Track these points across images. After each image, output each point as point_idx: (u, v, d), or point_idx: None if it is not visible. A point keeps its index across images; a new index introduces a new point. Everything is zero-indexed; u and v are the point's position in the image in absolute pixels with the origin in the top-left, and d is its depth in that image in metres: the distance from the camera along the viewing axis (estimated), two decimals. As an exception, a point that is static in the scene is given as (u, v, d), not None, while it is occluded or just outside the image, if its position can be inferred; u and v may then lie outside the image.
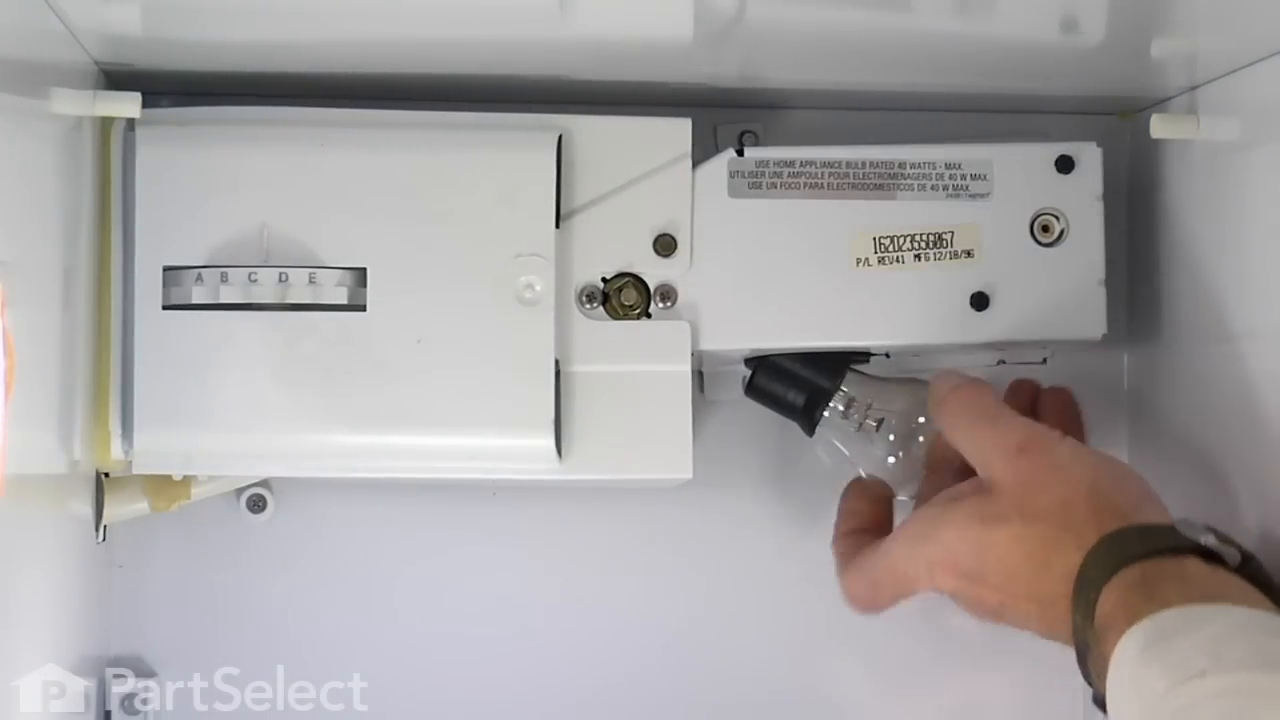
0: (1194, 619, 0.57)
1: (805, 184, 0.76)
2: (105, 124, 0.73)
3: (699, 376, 0.82)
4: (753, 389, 0.79)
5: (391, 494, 0.83)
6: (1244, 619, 0.57)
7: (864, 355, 0.78)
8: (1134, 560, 0.61)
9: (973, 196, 0.77)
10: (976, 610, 0.68)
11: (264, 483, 0.82)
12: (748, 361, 0.79)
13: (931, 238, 0.76)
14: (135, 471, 0.74)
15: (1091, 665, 0.61)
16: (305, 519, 0.83)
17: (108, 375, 0.73)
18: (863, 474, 0.78)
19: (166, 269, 0.73)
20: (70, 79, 0.70)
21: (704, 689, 0.85)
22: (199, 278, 0.72)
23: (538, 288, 0.74)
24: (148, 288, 0.72)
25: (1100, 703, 0.60)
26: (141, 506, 0.78)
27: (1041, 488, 0.66)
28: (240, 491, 0.82)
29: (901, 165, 0.77)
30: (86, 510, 0.75)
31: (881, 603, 0.72)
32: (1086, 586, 0.62)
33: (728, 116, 0.82)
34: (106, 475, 0.76)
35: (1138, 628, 0.57)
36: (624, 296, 0.75)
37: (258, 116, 0.74)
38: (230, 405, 0.72)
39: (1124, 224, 0.82)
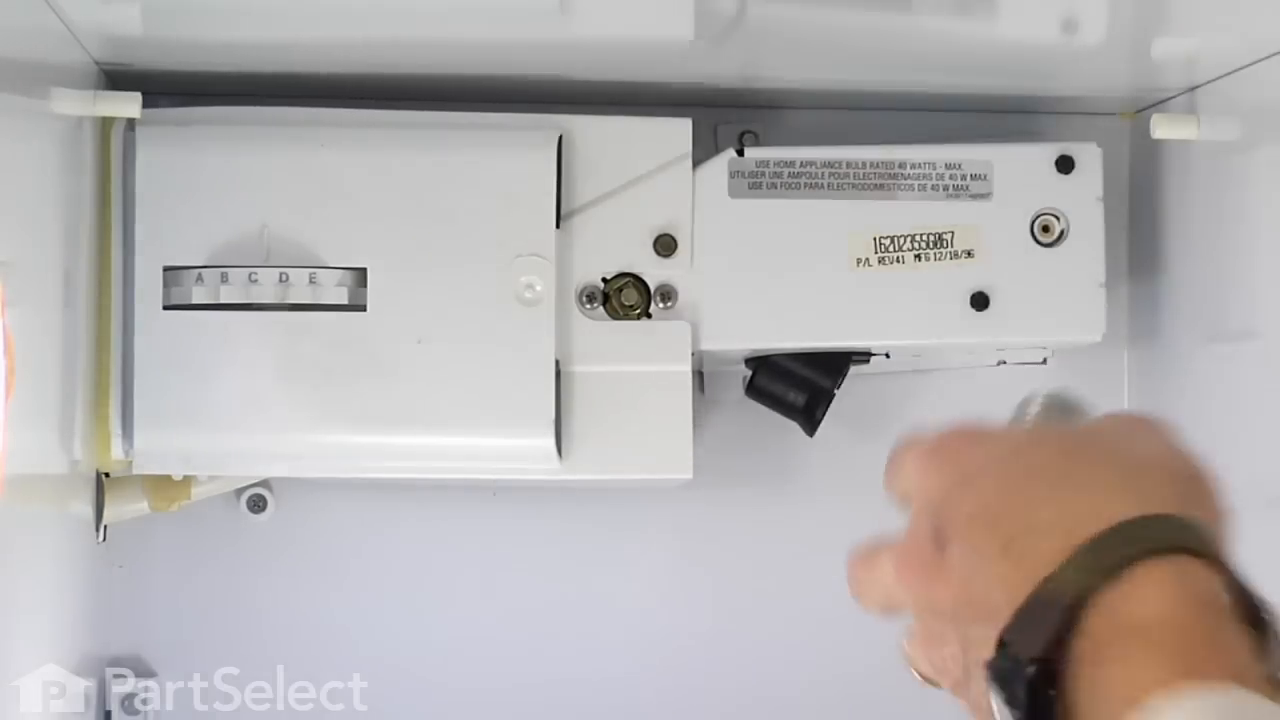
0: None
1: (805, 184, 0.76)
2: (105, 124, 0.73)
3: (699, 376, 0.82)
4: (753, 389, 0.79)
5: (391, 494, 0.83)
6: None
7: (864, 355, 0.78)
8: (1176, 550, 0.39)
9: (973, 197, 0.77)
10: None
11: (264, 483, 0.82)
12: (748, 361, 0.79)
13: (931, 238, 0.76)
14: (135, 471, 0.74)
15: (1057, 678, 0.38)
16: (305, 519, 0.83)
17: (108, 375, 0.73)
18: None
19: (166, 269, 0.73)
20: (70, 79, 0.70)
21: (704, 688, 0.85)
22: (199, 278, 0.72)
23: (538, 288, 0.74)
24: (148, 288, 0.72)
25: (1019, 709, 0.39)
26: (141, 506, 0.78)
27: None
28: (240, 491, 0.82)
29: (901, 165, 0.77)
30: (86, 510, 0.75)
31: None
32: (1115, 543, 0.39)
33: (728, 116, 0.82)
34: (106, 475, 0.76)
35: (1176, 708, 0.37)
36: (624, 296, 0.75)
37: (258, 116, 0.74)
38: (230, 405, 0.72)
39: (1124, 224, 0.82)
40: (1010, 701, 0.38)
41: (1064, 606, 0.38)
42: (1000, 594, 0.39)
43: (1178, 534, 0.39)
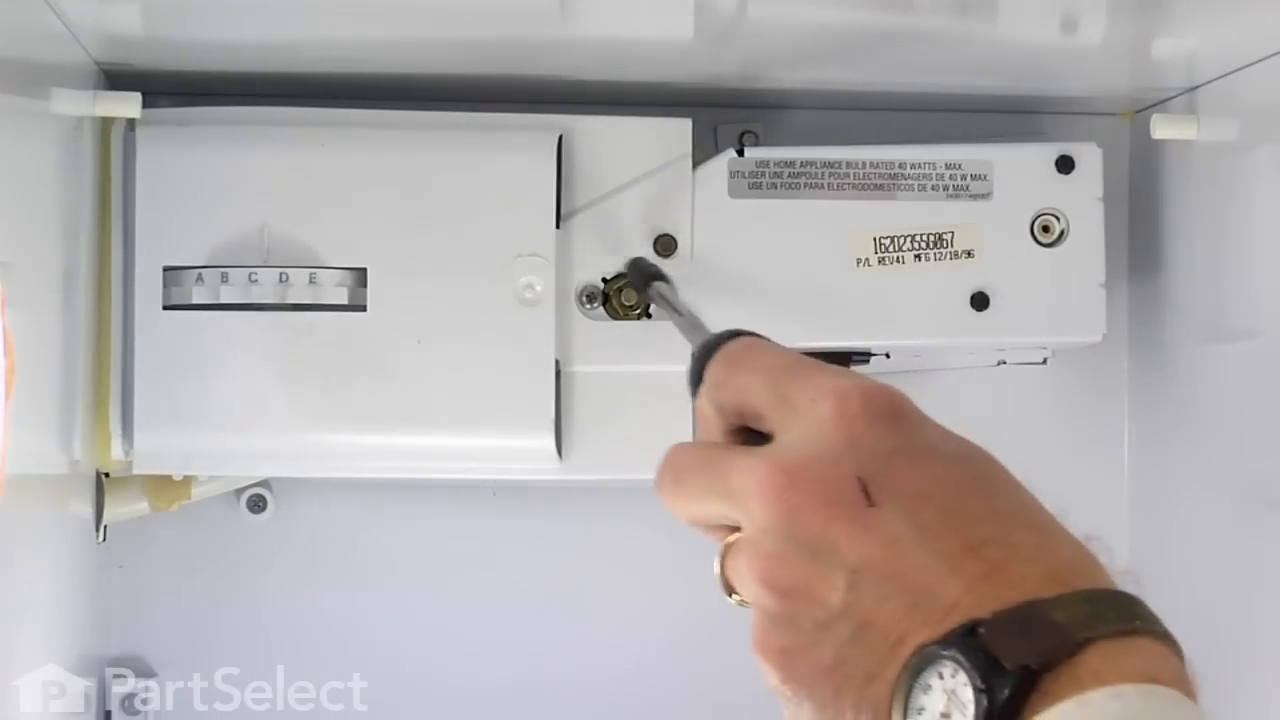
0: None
1: (805, 184, 0.76)
2: (105, 124, 0.73)
3: (699, 376, 0.82)
4: (753, 389, 0.79)
5: (391, 494, 0.83)
6: None
7: (864, 355, 0.78)
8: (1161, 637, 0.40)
9: (973, 197, 0.77)
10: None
11: (264, 483, 0.82)
12: (748, 361, 0.79)
13: (932, 238, 0.76)
14: (135, 471, 0.74)
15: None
16: (305, 519, 0.83)
17: (108, 375, 0.73)
18: None
19: (167, 269, 0.73)
20: (70, 79, 0.70)
21: (704, 688, 0.85)
22: (199, 278, 0.72)
23: (538, 288, 0.74)
24: (148, 288, 0.73)
25: None
26: (141, 506, 0.78)
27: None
28: (240, 491, 0.82)
29: (901, 165, 0.77)
30: (86, 510, 0.75)
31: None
32: (1113, 606, 0.40)
33: (728, 116, 0.82)
34: (106, 475, 0.76)
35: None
36: (624, 297, 0.75)
37: (258, 116, 0.74)
38: (230, 405, 0.72)
39: (1124, 224, 0.82)
40: (986, 690, 0.38)
41: (1071, 639, 0.38)
42: (951, 585, 0.40)
43: (1155, 623, 0.40)
